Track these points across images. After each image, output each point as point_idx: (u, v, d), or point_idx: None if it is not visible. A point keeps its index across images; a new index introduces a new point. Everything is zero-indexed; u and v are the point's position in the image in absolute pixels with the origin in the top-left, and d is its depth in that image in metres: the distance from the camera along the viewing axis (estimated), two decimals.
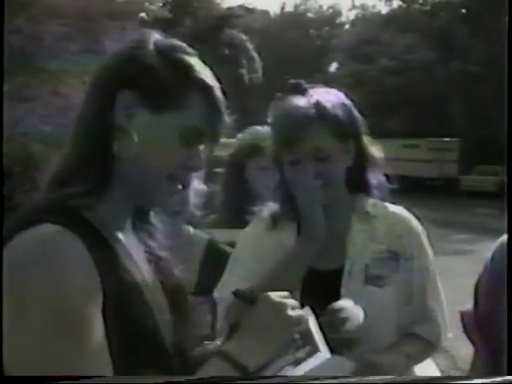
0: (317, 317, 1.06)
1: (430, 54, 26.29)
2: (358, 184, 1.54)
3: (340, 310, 1.30)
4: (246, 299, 1.00)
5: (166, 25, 16.31)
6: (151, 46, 0.94)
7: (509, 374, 1.10)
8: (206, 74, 0.96)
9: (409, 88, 25.20)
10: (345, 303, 1.32)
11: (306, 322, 1.01)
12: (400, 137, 23.66)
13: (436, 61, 26.09)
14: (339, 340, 1.24)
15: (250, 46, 29.80)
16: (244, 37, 29.79)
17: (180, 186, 0.98)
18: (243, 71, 29.18)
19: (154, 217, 1.07)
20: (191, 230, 1.93)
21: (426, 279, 1.51)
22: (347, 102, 1.50)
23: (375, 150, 1.55)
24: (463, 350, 1.47)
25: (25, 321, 0.80)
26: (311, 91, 1.48)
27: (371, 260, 1.46)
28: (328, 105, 1.45)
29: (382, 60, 27.45)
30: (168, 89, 0.92)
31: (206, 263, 1.89)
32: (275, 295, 0.99)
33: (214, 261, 1.79)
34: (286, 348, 0.98)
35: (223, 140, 1.03)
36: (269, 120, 1.52)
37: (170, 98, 0.92)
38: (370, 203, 1.53)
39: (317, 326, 1.04)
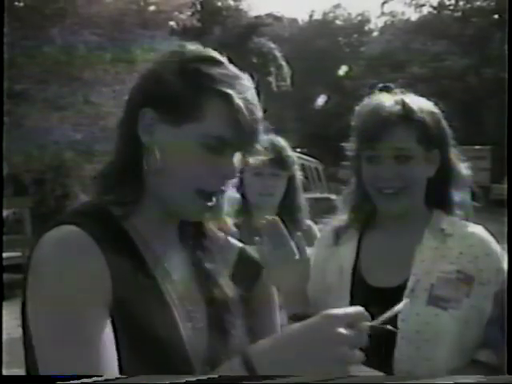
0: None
1: (462, 61, 25.96)
2: (437, 199, 1.46)
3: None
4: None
5: (195, 33, 16.48)
6: (176, 61, 0.96)
7: (509, 374, 1.09)
8: (227, 81, 0.94)
9: (441, 96, 24.91)
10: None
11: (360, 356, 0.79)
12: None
13: (468, 68, 25.76)
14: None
15: (278, 54, 29.84)
16: (272, 45, 29.86)
17: (214, 199, 0.97)
18: (271, 79, 29.24)
19: (206, 227, 1.08)
20: (223, 236, 1.93)
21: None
22: (436, 110, 1.46)
23: (463, 167, 1.48)
24: None
25: (28, 317, 0.87)
26: (400, 93, 1.46)
27: (437, 280, 1.35)
28: (415, 107, 1.41)
29: (412, 68, 27.21)
30: (185, 101, 0.93)
31: (238, 271, 1.89)
32: (341, 315, 0.80)
33: (246, 269, 1.79)
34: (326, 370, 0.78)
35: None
36: (353, 117, 1.48)
37: (187, 109, 0.93)
38: (448, 221, 1.44)
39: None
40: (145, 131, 0.95)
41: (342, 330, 0.78)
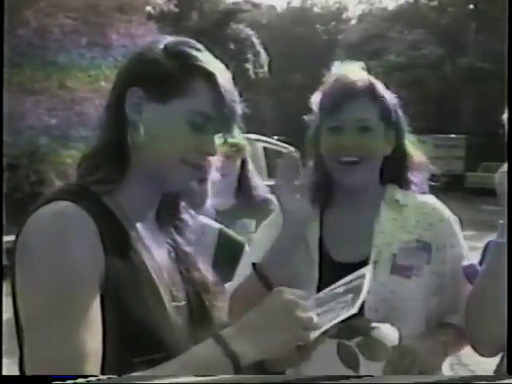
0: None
1: (437, 50, 26.16)
2: (392, 176, 1.51)
3: (376, 327, 1.25)
4: (265, 279, 0.97)
5: (172, 19, 16.29)
6: (161, 46, 1.01)
7: (509, 374, 1.12)
8: (210, 63, 1.01)
9: (416, 84, 25.09)
10: (382, 325, 1.28)
11: (319, 329, 0.91)
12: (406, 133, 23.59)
13: (443, 57, 25.96)
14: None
15: (256, 40, 29.72)
16: (250, 31, 29.72)
17: (197, 171, 1.02)
18: (249, 66, 29.12)
19: (183, 212, 1.13)
20: (203, 219, 1.93)
21: (459, 268, 1.42)
22: (393, 96, 1.51)
23: (417, 154, 1.53)
24: (468, 347, 1.46)
25: (21, 286, 0.90)
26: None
27: (399, 250, 1.40)
28: (379, 86, 1.47)
29: (389, 56, 27.33)
30: (172, 79, 0.99)
31: (219, 252, 1.89)
32: (290, 292, 0.93)
33: (227, 250, 1.80)
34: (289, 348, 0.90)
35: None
36: (315, 94, 1.50)
37: (174, 86, 0.98)
38: (401, 192, 1.50)
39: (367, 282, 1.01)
40: (133, 109, 0.99)
41: (291, 297, 0.91)
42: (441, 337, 1.40)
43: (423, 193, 1.53)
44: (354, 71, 1.47)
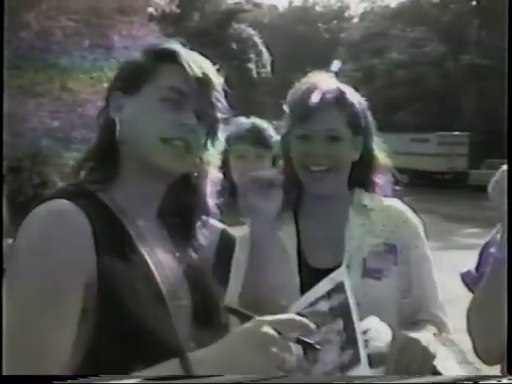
0: None
1: (439, 47, 26.12)
2: (359, 181, 1.54)
3: (365, 331, 1.25)
4: (241, 316, 0.91)
5: (173, 20, 16.29)
6: (143, 49, 1.09)
7: (509, 374, 1.11)
8: (181, 50, 1.06)
9: (419, 82, 25.06)
10: (370, 323, 1.28)
11: (291, 363, 0.85)
12: (410, 131, 23.56)
13: (446, 54, 25.92)
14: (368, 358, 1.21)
15: (258, 40, 29.74)
16: (252, 31, 29.74)
17: (179, 143, 1.03)
18: (251, 65, 29.13)
19: (198, 232, 1.15)
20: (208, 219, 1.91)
21: (423, 268, 1.51)
22: (363, 101, 1.53)
23: (383, 157, 1.56)
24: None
25: (7, 282, 0.90)
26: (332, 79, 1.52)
27: (368, 254, 1.46)
28: (348, 93, 1.49)
29: (391, 54, 27.31)
30: (142, 69, 1.05)
31: (220, 252, 1.88)
32: (272, 322, 0.85)
33: (228, 250, 1.79)
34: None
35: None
36: (288, 95, 1.52)
37: (144, 74, 1.05)
38: (368, 196, 1.54)
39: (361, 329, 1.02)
40: (114, 109, 1.05)
41: (269, 331, 0.83)
42: (427, 326, 1.43)
43: (386, 196, 1.57)
44: (324, 80, 1.50)
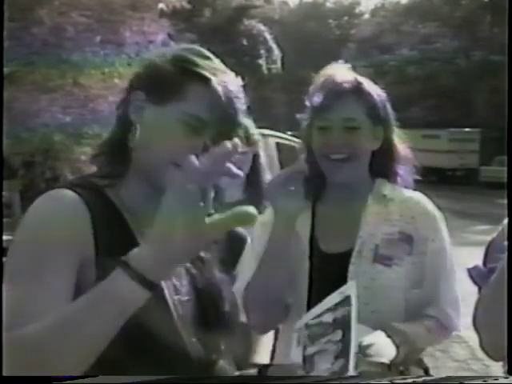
0: None
1: (451, 43, 25.95)
2: (381, 170, 1.57)
3: (369, 345, 1.25)
4: None
5: (184, 16, 16.29)
6: (170, 53, 1.08)
7: (509, 374, 1.12)
8: (211, 69, 1.04)
9: (430, 78, 24.91)
10: (375, 338, 1.28)
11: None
12: (421, 127, 23.45)
13: (457, 51, 25.75)
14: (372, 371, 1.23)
15: (268, 36, 29.68)
16: (262, 27, 29.68)
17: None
18: (262, 62, 29.09)
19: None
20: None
21: (439, 262, 1.51)
22: (382, 92, 1.57)
23: (404, 148, 1.58)
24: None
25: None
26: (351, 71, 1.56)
27: (381, 241, 1.47)
28: (365, 84, 1.52)
29: (402, 50, 27.16)
30: (171, 83, 1.03)
31: (222, 247, 1.90)
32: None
33: (230, 244, 1.81)
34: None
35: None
36: (309, 88, 1.55)
37: (172, 90, 1.03)
38: (389, 187, 1.56)
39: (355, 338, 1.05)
40: (134, 110, 1.05)
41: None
42: (424, 322, 1.46)
43: (406, 186, 1.59)
44: (342, 72, 1.54)
